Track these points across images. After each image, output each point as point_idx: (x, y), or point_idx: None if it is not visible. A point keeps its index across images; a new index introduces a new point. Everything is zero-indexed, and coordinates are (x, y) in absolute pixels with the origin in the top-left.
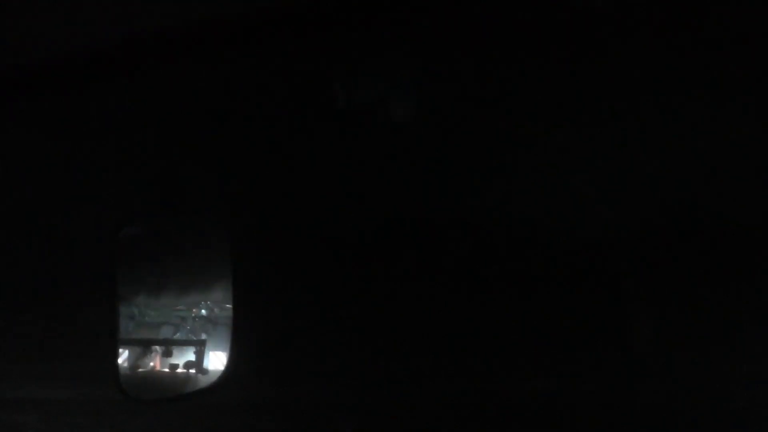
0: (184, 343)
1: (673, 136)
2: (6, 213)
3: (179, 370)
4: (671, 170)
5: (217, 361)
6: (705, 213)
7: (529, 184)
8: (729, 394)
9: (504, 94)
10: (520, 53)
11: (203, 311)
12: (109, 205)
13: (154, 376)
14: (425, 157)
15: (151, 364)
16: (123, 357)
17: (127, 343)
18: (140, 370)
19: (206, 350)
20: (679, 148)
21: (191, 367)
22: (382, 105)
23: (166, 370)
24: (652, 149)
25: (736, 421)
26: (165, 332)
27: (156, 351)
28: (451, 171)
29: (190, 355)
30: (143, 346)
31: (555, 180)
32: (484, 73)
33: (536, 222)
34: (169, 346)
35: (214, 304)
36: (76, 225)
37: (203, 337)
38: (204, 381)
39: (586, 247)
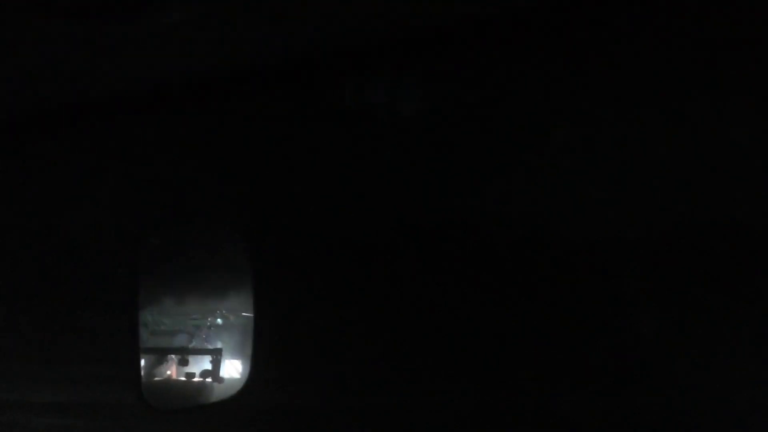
0: (200, 351)
1: (673, 137)
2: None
3: (195, 379)
4: (671, 170)
5: (232, 369)
6: (705, 213)
7: (530, 184)
8: (729, 394)
9: (505, 94)
10: (520, 53)
11: (219, 320)
12: (116, 211)
13: (170, 385)
14: (427, 156)
15: (168, 372)
16: (141, 365)
17: (144, 352)
18: (156, 378)
19: (222, 359)
20: (679, 149)
21: (207, 376)
22: (386, 105)
23: (183, 378)
24: (652, 149)
25: (736, 421)
26: (180, 340)
27: (172, 359)
28: (453, 171)
29: (206, 364)
30: (159, 355)
31: (555, 180)
32: (485, 73)
33: (537, 222)
34: (185, 355)
35: (229, 312)
36: (84, 233)
37: (219, 345)
38: (219, 390)
39: (586, 248)
